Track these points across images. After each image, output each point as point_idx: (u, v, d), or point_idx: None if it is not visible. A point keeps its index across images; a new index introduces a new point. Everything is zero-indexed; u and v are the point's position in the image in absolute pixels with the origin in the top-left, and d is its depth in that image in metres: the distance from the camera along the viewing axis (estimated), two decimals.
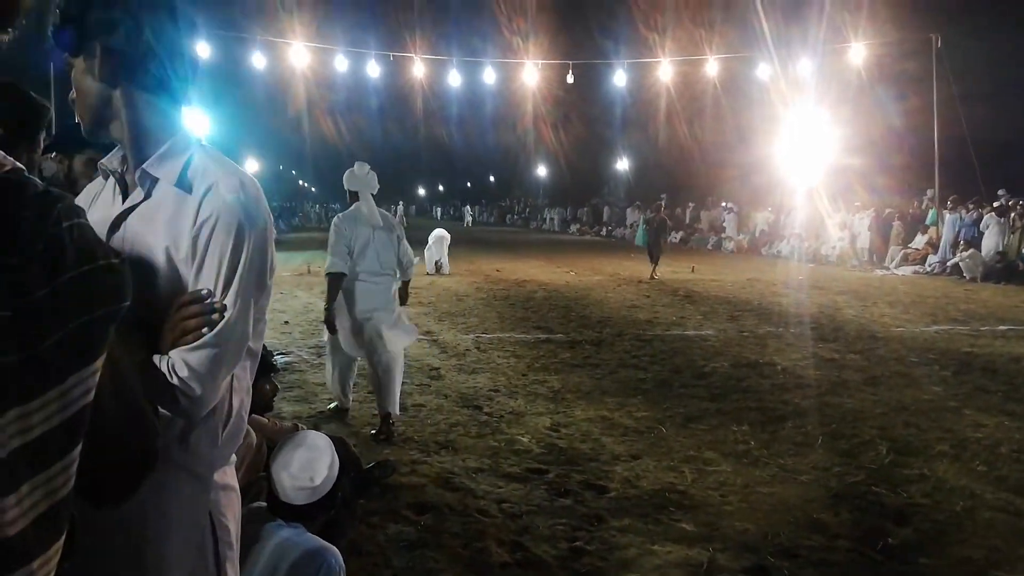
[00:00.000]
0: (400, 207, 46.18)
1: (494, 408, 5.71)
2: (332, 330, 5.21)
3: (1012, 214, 16.64)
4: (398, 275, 5.28)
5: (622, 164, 43.87)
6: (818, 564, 3.27)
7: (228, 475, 1.46)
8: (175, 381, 1.27)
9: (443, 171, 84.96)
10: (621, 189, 43.99)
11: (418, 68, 20.66)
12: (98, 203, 1.47)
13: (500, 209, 60.89)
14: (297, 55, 19.49)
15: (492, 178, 75.76)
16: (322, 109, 44.44)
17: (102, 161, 1.46)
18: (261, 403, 3.23)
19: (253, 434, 2.89)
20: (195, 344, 1.29)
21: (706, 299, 12.41)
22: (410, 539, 3.47)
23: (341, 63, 20.30)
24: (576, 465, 4.47)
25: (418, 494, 4.00)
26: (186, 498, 1.34)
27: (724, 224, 28.14)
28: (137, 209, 1.38)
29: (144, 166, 1.37)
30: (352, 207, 5.24)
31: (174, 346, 1.29)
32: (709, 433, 5.11)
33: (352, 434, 4.94)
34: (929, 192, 20.12)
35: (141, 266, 1.33)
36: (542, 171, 55.36)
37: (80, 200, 1.50)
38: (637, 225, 20.59)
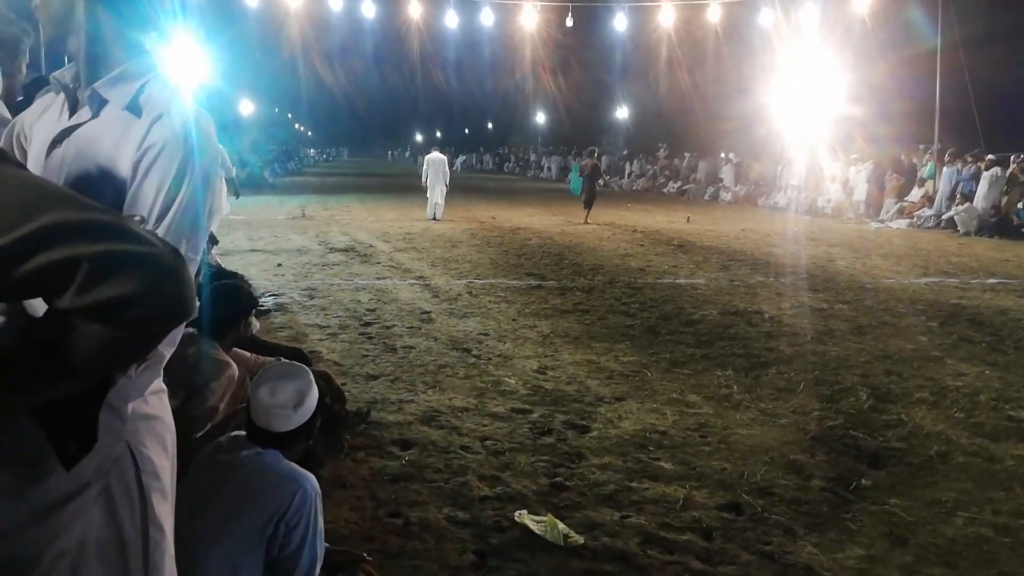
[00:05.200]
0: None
1: (483, 351, 5.77)
2: None
3: (1010, 168, 16.53)
4: None
5: (621, 112, 43.27)
6: (791, 502, 3.35)
7: (151, 405, 1.41)
8: None
9: (440, 117, 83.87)
10: (620, 139, 43.49)
11: (414, 8, 20.19)
12: (46, 117, 1.44)
13: (498, 156, 60.28)
14: None
15: (490, 125, 74.83)
16: (317, 51, 43.52)
17: (55, 74, 1.43)
18: (243, 337, 3.25)
19: (235, 368, 2.92)
20: None
21: (700, 249, 12.41)
22: (394, 473, 3.54)
23: (336, 2, 19.82)
24: (560, 406, 4.54)
25: (403, 431, 4.07)
26: (101, 427, 1.26)
27: (722, 175, 27.95)
28: (82, 127, 1.36)
29: (95, 86, 1.35)
30: None
31: None
32: (693, 377, 5.17)
33: (341, 373, 4.99)
34: (922, 146, 19.94)
35: (78, 185, 1.31)
36: (541, 118, 54.60)
37: (32, 111, 1.48)
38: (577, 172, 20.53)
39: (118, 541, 1.33)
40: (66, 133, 1.36)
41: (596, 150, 20.53)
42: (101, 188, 1.32)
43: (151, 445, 1.40)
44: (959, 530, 3.15)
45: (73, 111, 1.39)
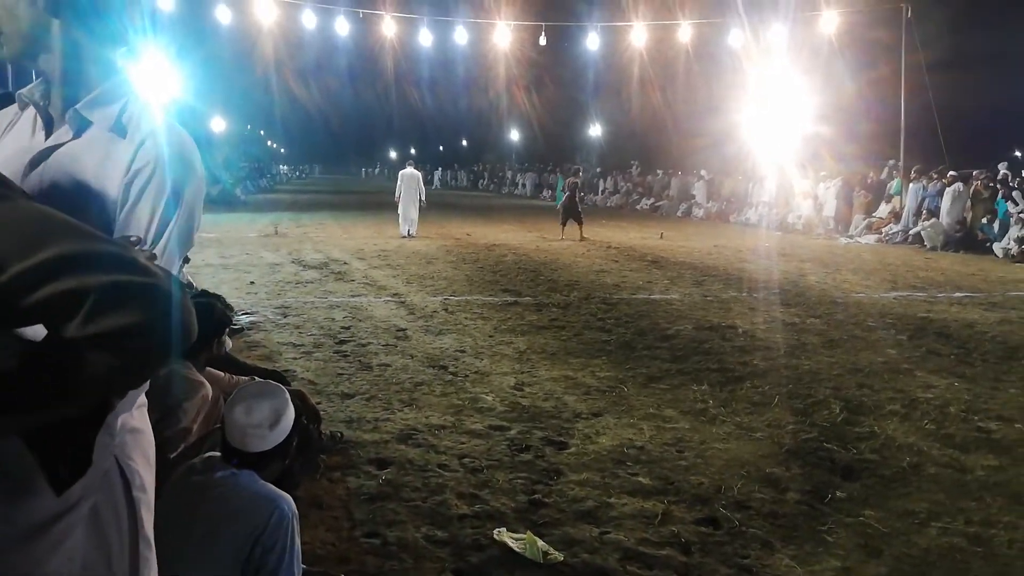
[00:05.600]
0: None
1: (459, 368, 5.75)
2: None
3: (974, 183, 16.93)
4: None
5: (595, 130, 43.67)
6: (767, 515, 3.38)
7: (136, 418, 1.42)
8: None
9: (414, 134, 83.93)
10: (594, 156, 43.85)
11: (388, 26, 20.25)
12: (12, 133, 1.41)
13: (472, 174, 60.42)
14: (264, 9, 18.96)
15: (464, 142, 75.03)
16: (291, 68, 43.43)
17: (22, 92, 1.40)
18: (216, 357, 3.21)
19: (209, 387, 2.88)
20: None
21: (673, 264, 12.52)
22: (371, 492, 3.51)
23: (309, 19, 19.81)
24: (538, 422, 4.53)
25: (380, 449, 4.03)
26: None
27: (694, 192, 28.27)
28: (63, 148, 1.34)
29: (78, 107, 1.33)
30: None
31: None
32: (669, 392, 5.20)
33: (316, 392, 4.94)
34: (891, 161, 20.36)
35: (62, 205, 1.29)
36: (515, 135, 54.90)
37: None
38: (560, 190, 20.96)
39: (106, 560, 1.30)
40: (46, 153, 1.34)
41: (579, 168, 20.57)
42: (86, 208, 1.30)
43: (138, 459, 1.40)
44: (932, 540, 3.19)
45: (49, 130, 1.37)
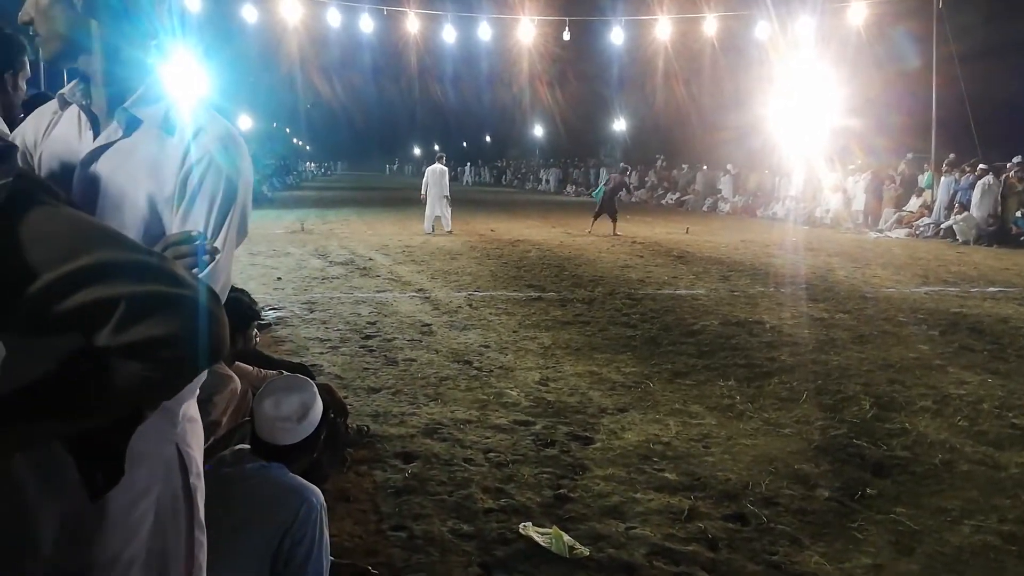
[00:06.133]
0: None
1: (484, 363, 5.75)
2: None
3: (1006, 175, 16.56)
4: None
5: (619, 125, 43.43)
6: (796, 512, 3.34)
7: (191, 407, 1.47)
8: None
9: (438, 130, 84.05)
10: (618, 151, 43.62)
11: (412, 23, 20.31)
12: (58, 132, 1.43)
13: (496, 169, 60.43)
14: (289, 8, 19.12)
15: (488, 138, 75.04)
16: (315, 66, 43.68)
17: (64, 93, 1.42)
18: (244, 351, 3.25)
19: (237, 381, 2.91)
20: None
21: (699, 259, 12.43)
22: (397, 486, 3.52)
23: (334, 17, 19.94)
24: (563, 417, 4.52)
25: (406, 443, 4.05)
26: (153, 431, 1.33)
27: (720, 186, 28.03)
28: (114, 146, 1.36)
29: (127, 106, 1.35)
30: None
31: None
32: (695, 388, 5.16)
33: (342, 386, 4.98)
34: (909, 155, 20.02)
35: (118, 204, 1.33)
36: (539, 131, 54.76)
37: (31, 128, 1.47)
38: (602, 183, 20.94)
39: (161, 549, 1.36)
40: (98, 152, 1.36)
41: (627, 168, 20.15)
42: (141, 204, 1.33)
43: (195, 446, 1.46)
44: (965, 538, 3.13)
45: (96, 130, 1.39)
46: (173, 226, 1.34)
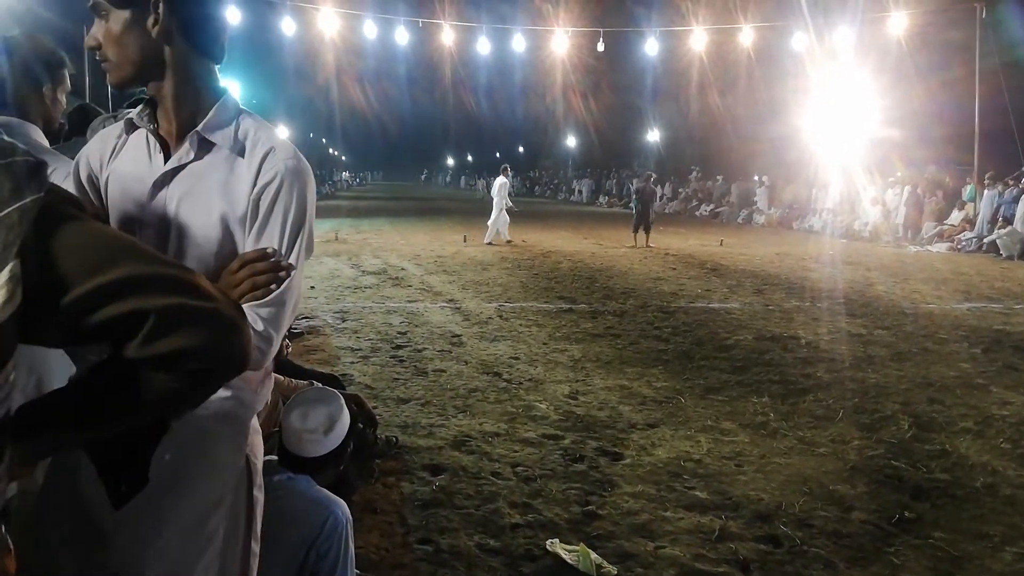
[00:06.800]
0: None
1: (514, 375, 5.74)
2: None
3: None
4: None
5: (653, 135, 43.25)
6: (831, 535, 3.26)
7: (257, 419, 1.51)
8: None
9: (472, 141, 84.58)
10: (652, 161, 43.43)
11: (447, 35, 20.48)
12: (126, 156, 1.46)
13: (528, 180, 60.54)
14: (326, 20, 19.42)
15: (521, 148, 75.31)
16: (351, 76, 44.41)
17: (133, 116, 1.45)
18: (276, 362, 3.27)
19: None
20: (268, 300, 1.33)
21: (733, 272, 12.28)
22: (424, 499, 3.52)
23: (370, 29, 20.20)
24: (592, 432, 4.48)
25: (434, 456, 4.04)
26: (227, 441, 1.39)
27: (755, 198, 27.71)
28: (187, 168, 1.39)
29: (200, 130, 1.38)
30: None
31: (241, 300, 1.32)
32: (728, 404, 5.08)
33: (372, 396, 5.00)
34: (931, 167, 19.57)
35: (191, 225, 1.37)
36: (571, 141, 54.80)
37: (98, 149, 1.50)
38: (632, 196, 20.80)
39: (223, 559, 1.39)
40: (170, 175, 1.39)
41: (651, 175, 20.13)
42: (212, 226, 1.37)
43: (260, 457, 1.49)
44: (1008, 565, 3.02)
45: (167, 153, 1.42)
46: (247, 245, 1.37)
